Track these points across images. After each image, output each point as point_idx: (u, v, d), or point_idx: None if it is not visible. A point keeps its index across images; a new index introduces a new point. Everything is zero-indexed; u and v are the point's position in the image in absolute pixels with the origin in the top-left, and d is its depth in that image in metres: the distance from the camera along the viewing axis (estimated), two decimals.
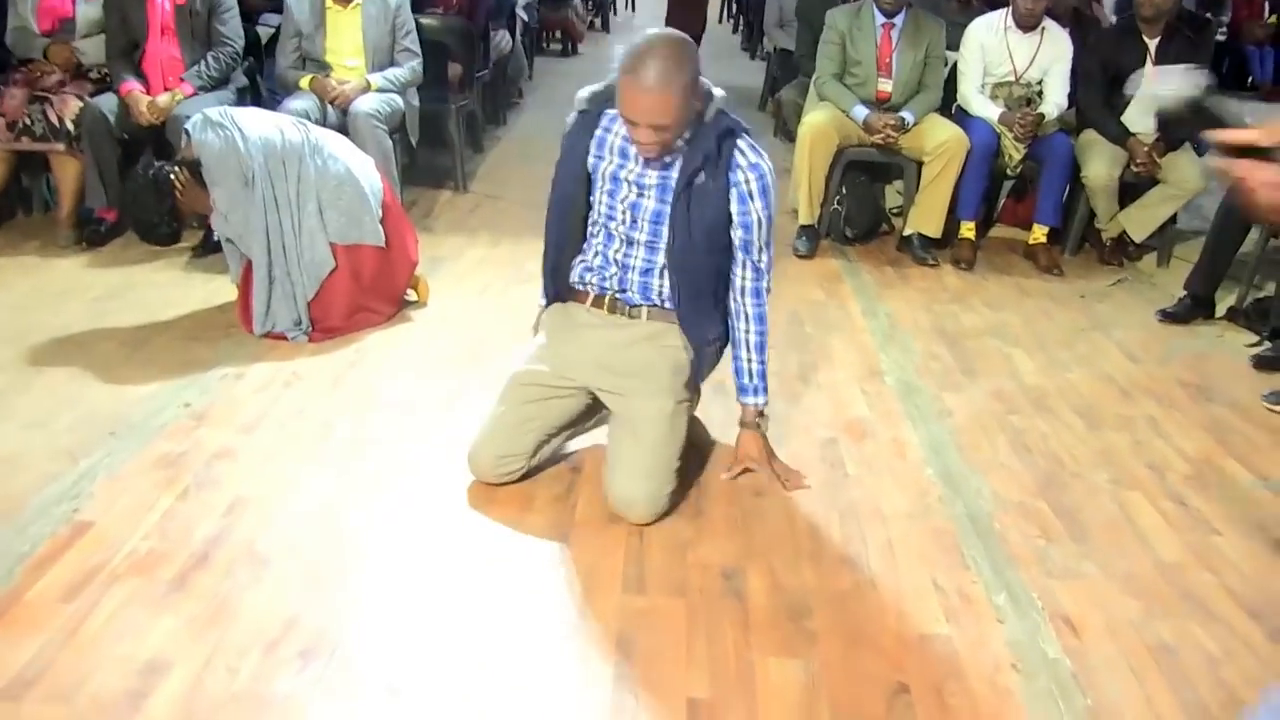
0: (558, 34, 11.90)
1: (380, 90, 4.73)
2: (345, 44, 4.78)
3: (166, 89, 4.60)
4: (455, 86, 6.05)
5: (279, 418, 3.12)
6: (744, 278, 2.56)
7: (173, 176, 3.61)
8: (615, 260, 2.58)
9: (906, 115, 4.79)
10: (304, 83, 4.71)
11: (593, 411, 2.77)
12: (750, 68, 11.04)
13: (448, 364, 3.55)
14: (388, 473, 2.83)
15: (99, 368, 3.43)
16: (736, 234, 2.47)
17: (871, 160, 5.03)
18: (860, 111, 4.80)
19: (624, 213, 2.51)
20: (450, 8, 6.40)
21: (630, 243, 2.54)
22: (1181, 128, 1.55)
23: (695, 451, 2.88)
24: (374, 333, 3.79)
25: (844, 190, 5.05)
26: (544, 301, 2.76)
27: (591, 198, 2.56)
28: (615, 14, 15.50)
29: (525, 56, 8.95)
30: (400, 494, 2.73)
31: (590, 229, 2.61)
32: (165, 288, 4.20)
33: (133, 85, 4.56)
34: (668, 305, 2.59)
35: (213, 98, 4.57)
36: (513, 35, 7.85)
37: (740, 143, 2.40)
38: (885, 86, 4.88)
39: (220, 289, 4.09)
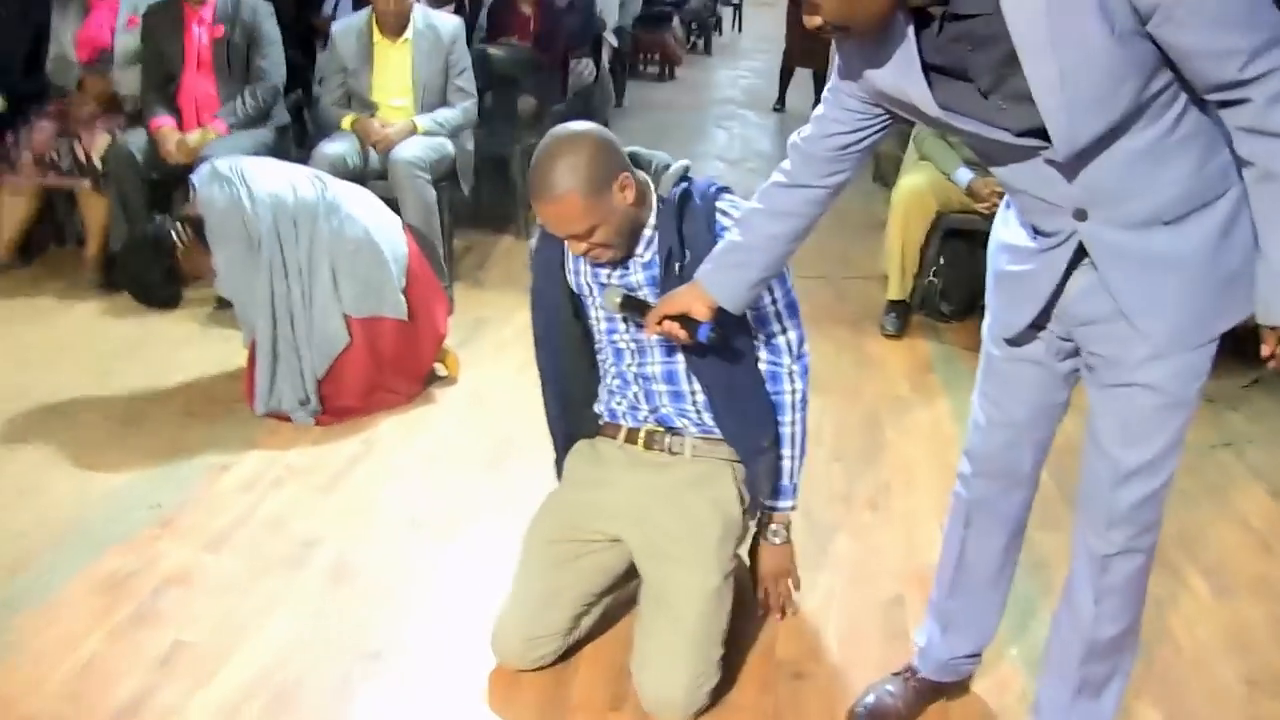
0: (655, 56, 11.49)
1: (428, 133, 4.39)
2: (393, 82, 4.45)
3: (200, 126, 4.33)
4: (526, 123, 5.69)
5: (255, 531, 2.76)
6: (759, 359, 2.29)
7: (174, 234, 3.28)
8: (633, 376, 2.29)
9: None
10: (345, 123, 4.41)
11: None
12: None
13: (467, 465, 3.17)
14: (369, 622, 2.42)
15: (76, 448, 3.12)
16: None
17: (975, 229, 4.48)
18: (964, 175, 4.29)
19: (623, 321, 2.26)
20: (526, 37, 6.05)
21: (641, 350, 2.26)
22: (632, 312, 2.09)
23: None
24: (389, 417, 3.43)
25: (941, 261, 4.56)
26: (557, 457, 2.46)
27: (589, 319, 2.31)
28: (720, 33, 14.83)
29: (613, 85, 8.60)
30: (379, 658, 2.31)
31: (598, 354, 2.34)
32: (178, 345, 3.90)
33: (163, 121, 4.29)
34: (711, 428, 2.27)
35: (248, 137, 4.29)
36: (598, 63, 7.48)
37: (721, 204, 2.18)
38: None
39: (236, 351, 3.74)
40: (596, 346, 2.32)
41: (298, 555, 2.65)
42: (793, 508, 2.41)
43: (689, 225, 2.15)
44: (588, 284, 2.24)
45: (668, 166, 2.20)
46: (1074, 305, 1.72)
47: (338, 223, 3.29)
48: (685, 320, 1.98)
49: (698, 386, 2.24)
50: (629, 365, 2.27)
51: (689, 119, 9.13)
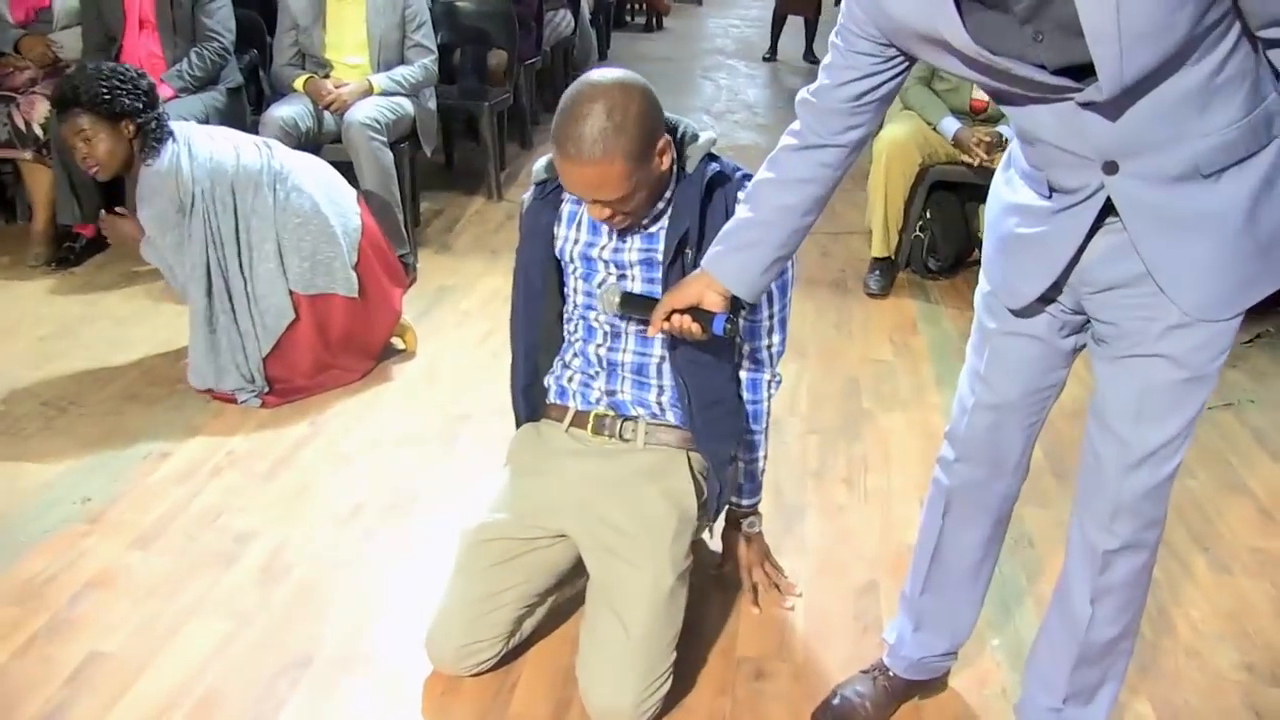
0: (641, 6, 11.23)
1: (385, 93, 4.19)
2: (347, 38, 4.24)
3: None
4: (496, 80, 5.49)
5: (188, 525, 2.60)
6: (740, 367, 2.18)
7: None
8: (599, 359, 2.14)
9: (1005, 130, 4.05)
10: (298, 84, 4.20)
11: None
12: None
13: (417, 447, 3.01)
14: (300, 625, 2.27)
15: (5, 438, 2.96)
16: (741, 312, 2.00)
17: (962, 181, 4.30)
18: (950, 124, 4.15)
19: (622, 319, 2.11)
20: None
21: (616, 335, 2.11)
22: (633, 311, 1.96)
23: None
24: (340, 397, 3.27)
25: (928, 214, 4.41)
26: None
27: (565, 288, 2.14)
28: None
29: (596, 37, 8.37)
30: (309, 664, 2.16)
31: (567, 325, 2.18)
32: (126, 323, 3.73)
33: None
34: (671, 418, 2.13)
35: (197, 101, 4.11)
36: (576, 14, 7.24)
37: (743, 194, 1.94)
38: (981, 94, 4.14)
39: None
40: (566, 317, 2.16)
41: (230, 551, 2.49)
42: (755, 503, 2.34)
43: (712, 212, 1.98)
44: (573, 255, 2.08)
45: (696, 137, 2.01)
46: (1093, 270, 1.58)
47: (284, 194, 3.13)
48: (696, 313, 1.81)
49: (666, 382, 2.11)
50: (598, 346, 2.12)
51: (675, 70, 8.93)
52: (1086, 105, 1.40)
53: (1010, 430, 1.80)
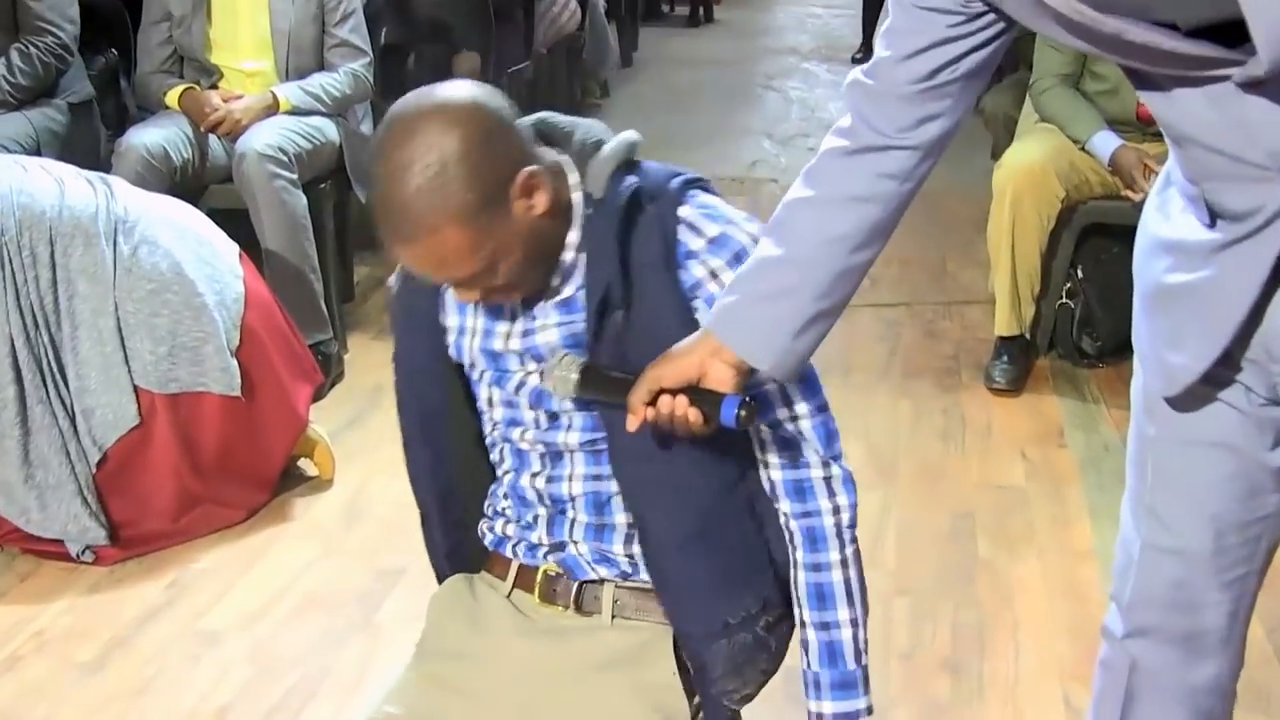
0: None
1: (296, 111, 4.25)
2: (243, 35, 4.34)
3: None
4: None
5: None
6: (768, 464, 2.03)
7: None
8: (540, 495, 2.08)
9: None
10: (172, 98, 4.27)
11: None
12: None
13: (324, 618, 3.01)
14: None
15: None
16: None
17: (1128, 223, 4.24)
18: (1107, 142, 4.17)
19: (529, 411, 2.04)
20: None
21: (556, 456, 2.05)
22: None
23: None
24: (215, 547, 3.29)
25: (1078, 273, 4.45)
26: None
27: (477, 400, 2.11)
28: None
29: (617, 33, 8.62)
30: None
31: (490, 453, 2.14)
32: None
33: None
34: (644, 577, 2.06)
35: (18, 120, 4.19)
36: (584, 4, 7.39)
37: (688, 209, 1.95)
38: None
39: None
40: (489, 441, 2.14)
41: None
42: (869, 710, 2.10)
43: (640, 247, 1.92)
44: (474, 354, 2.05)
45: (599, 144, 1.97)
46: None
47: (129, 249, 3.19)
48: (696, 395, 1.74)
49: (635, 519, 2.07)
50: (533, 477, 2.08)
51: (727, 78, 9.10)
52: (1249, 86, 1.36)
53: (1203, 588, 1.76)
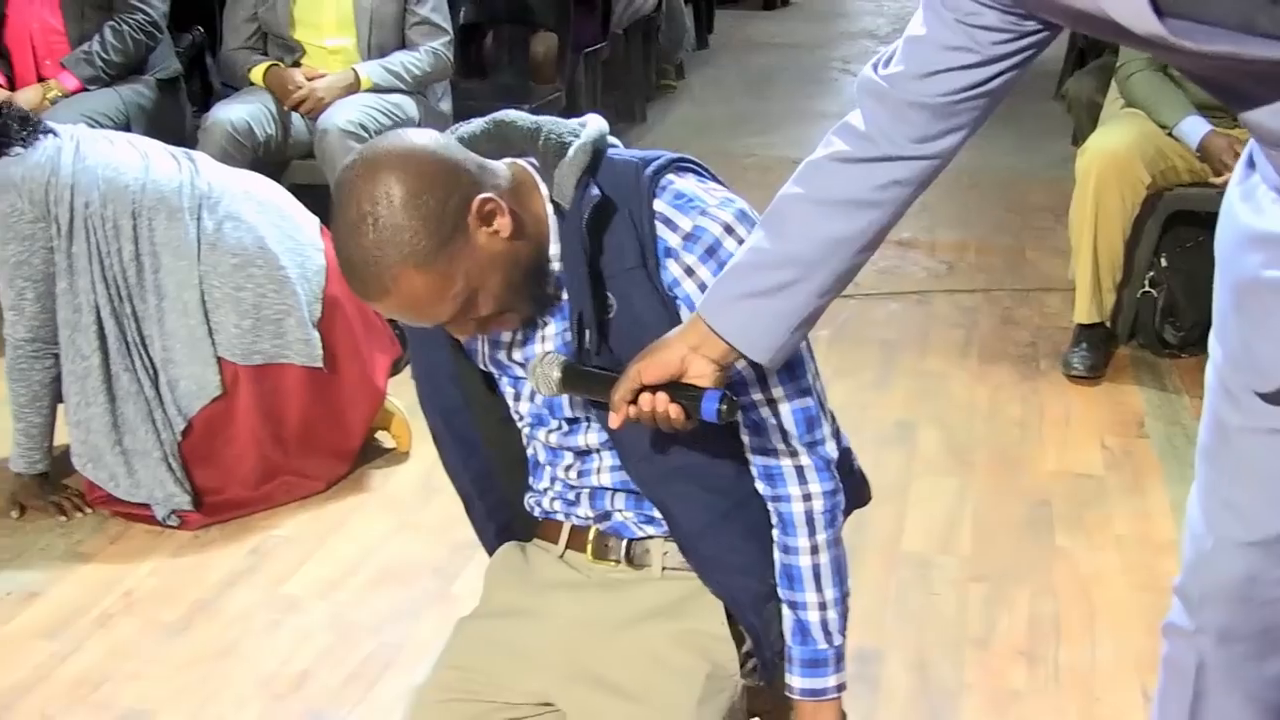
0: None
1: (378, 88, 4.30)
2: (326, 13, 4.41)
3: (42, 78, 4.32)
4: (541, 74, 5.60)
5: (47, 705, 2.62)
6: (746, 447, 2.05)
7: None
8: (573, 484, 2.13)
9: None
10: (256, 74, 4.34)
11: None
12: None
13: (401, 590, 3.06)
14: None
15: None
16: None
17: (1215, 211, 4.22)
18: (1195, 127, 4.14)
19: (547, 414, 2.10)
20: None
21: (584, 453, 2.09)
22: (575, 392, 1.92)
23: None
24: (297, 514, 3.35)
25: (1162, 261, 4.44)
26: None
27: (505, 405, 2.16)
28: None
29: (691, 16, 8.57)
30: None
31: (526, 442, 2.19)
32: None
33: None
34: None
35: (111, 95, 4.29)
36: None
37: (660, 205, 1.93)
38: None
39: None
40: (526, 442, 2.18)
41: None
42: (839, 688, 2.11)
43: (614, 255, 1.93)
44: (486, 364, 2.09)
45: (563, 145, 1.95)
46: None
47: (213, 224, 3.23)
48: (676, 391, 1.75)
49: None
50: (567, 469, 2.12)
51: (801, 64, 9.08)
52: None
53: (1276, 582, 1.74)
